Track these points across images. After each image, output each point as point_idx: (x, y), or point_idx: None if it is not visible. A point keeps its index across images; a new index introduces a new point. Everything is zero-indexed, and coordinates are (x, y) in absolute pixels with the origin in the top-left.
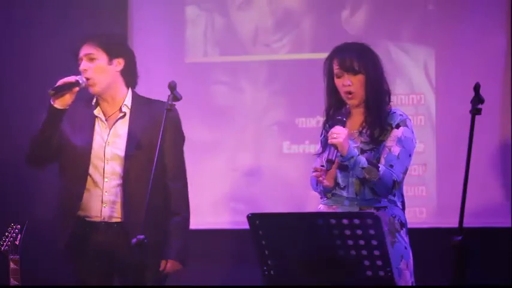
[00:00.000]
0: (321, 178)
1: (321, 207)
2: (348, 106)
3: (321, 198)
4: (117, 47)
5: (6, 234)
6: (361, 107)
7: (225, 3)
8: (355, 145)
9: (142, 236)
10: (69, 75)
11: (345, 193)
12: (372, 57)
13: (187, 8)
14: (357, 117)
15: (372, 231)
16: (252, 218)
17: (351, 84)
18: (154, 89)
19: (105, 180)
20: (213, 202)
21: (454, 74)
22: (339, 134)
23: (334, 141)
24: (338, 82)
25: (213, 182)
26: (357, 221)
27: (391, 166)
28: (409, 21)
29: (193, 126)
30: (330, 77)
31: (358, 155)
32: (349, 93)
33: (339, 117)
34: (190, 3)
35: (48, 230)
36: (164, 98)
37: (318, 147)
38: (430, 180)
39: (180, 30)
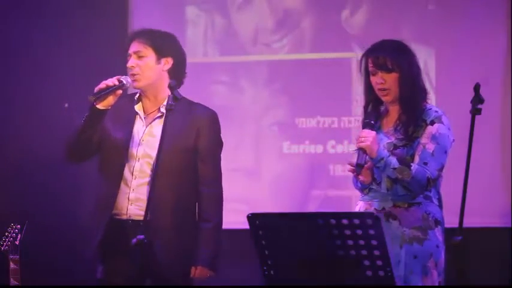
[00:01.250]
0: (355, 173)
1: (360, 204)
2: (385, 103)
3: (361, 195)
4: (167, 45)
5: (6, 234)
6: (397, 104)
7: (225, 3)
8: (389, 141)
9: (142, 236)
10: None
11: (380, 188)
12: (406, 55)
13: (187, 8)
14: (393, 114)
15: (371, 231)
16: (252, 218)
17: (384, 82)
18: None
19: (134, 178)
20: None
21: (454, 74)
22: (366, 137)
23: (361, 144)
24: (372, 80)
25: None
26: (356, 221)
27: (426, 163)
28: (409, 21)
29: None
30: (366, 74)
31: (389, 155)
32: (383, 90)
33: (367, 120)
34: (190, 3)
35: (48, 230)
36: None
37: (319, 147)
38: None
39: (180, 30)
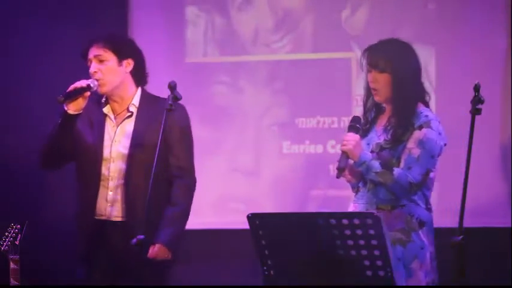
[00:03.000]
0: (337, 176)
1: (350, 206)
2: None
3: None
4: (126, 47)
5: (6, 234)
6: (390, 104)
7: (225, 3)
8: (378, 141)
9: (142, 236)
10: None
11: (365, 189)
12: (403, 56)
13: (187, 8)
14: (388, 113)
15: (371, 231)
16: (252, 218)
17: (375, 82)
18: (154, 89)
19: (111, 179)
20: (213, 202)
21: (454, 74)
22: (348, 141)
23: (344, 148)
24: (368, 77)
25: (213, 182)
26: (357, 221)
27: (409, 168)
28: (409, 21)
29: (193, 126)
30: (366, 70)
31: (372, 159)
32: (374, 90)
33: (352, 124)
34: (190, 3)
35: (48, 230)
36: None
37: (319, 147)
38: None
39: (180, 30)
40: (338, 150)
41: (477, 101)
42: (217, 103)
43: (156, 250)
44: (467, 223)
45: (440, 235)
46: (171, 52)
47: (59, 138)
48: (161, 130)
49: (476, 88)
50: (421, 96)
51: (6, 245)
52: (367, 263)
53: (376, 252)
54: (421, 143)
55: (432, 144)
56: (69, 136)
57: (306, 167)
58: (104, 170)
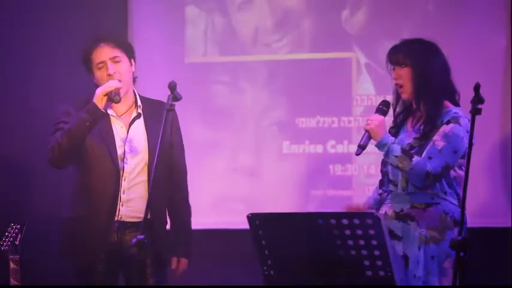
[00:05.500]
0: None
1: (383, 208)
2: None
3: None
4: (130, 47)
5: (6, 234)
6: (418, 102)
7: (225, 3)
8: (408, 142)
9: (142, 236)
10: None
11: (397, 189)
12: (424, 51)
13: (187, 8)
14: (418, 112)
15: (372, 231)
16: (252, 218)
17: (398, 78)
18: (154, 89)
19: (124, 179)
20: (213, 202)
21: (454, 74)
22: (372, 120)
23: (367, 127)
24: (392, 76)
25: (213, 182)
26: (357, 221)
27: (430, 158)
28: (408, 21)
29: (193, 126)
30: (390, 71)
31: (393, 143)
32: (399, 87)
33: (380, 106)
34: (190, 3)
35: (48, 230)
36: (164, 98)
37: (319, 147)
38: None
39: (180, 30)
40: (338, 150)
41: (477, 101)
42: (217, 103)
43: (182, 264)
44: (468, 223)
45: None
46: (171, 52)
47: (85, 135)
48: (161, 130)
49: (476, 88)
50: (448, 93)
51: (6, 245)
52: (367, 263)
53: (376, 252)
54: (446, 136)
55: (457, 140)
56: (87, 134)
57: (306, 167)
58: (116, 170)
